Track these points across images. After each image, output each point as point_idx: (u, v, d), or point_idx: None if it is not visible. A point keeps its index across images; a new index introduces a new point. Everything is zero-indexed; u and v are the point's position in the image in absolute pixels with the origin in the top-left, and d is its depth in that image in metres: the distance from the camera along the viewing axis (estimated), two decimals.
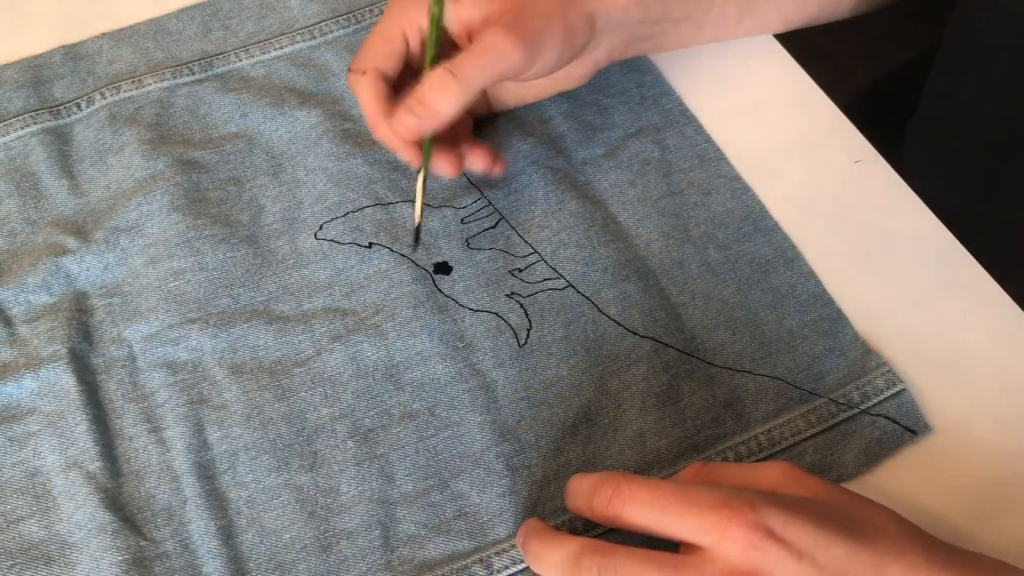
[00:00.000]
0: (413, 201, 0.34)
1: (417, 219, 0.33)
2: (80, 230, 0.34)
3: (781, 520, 0.22)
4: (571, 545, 0.24)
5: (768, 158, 0.36)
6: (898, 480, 0.29)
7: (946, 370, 0.31)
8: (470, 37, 0.30)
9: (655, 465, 0.29)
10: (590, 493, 0.24)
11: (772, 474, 0.25)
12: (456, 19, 0.30)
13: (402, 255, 0.33)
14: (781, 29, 0.37)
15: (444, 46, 0.31)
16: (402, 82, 0.32)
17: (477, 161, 0.33)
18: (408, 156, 0.31)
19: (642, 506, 0.23)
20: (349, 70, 0.32)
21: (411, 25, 0.30)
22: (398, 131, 0.30)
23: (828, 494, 0.24)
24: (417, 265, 0.33)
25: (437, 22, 0.30)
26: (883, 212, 0.34)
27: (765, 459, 0.29)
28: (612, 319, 0.32)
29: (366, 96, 0.31)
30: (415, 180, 0.32)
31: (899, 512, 0.25)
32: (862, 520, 0.23)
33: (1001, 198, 0.38)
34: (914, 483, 0.29)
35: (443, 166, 0.32)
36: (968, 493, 0.28)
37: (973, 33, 0.35)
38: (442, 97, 0.28)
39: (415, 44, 0.31)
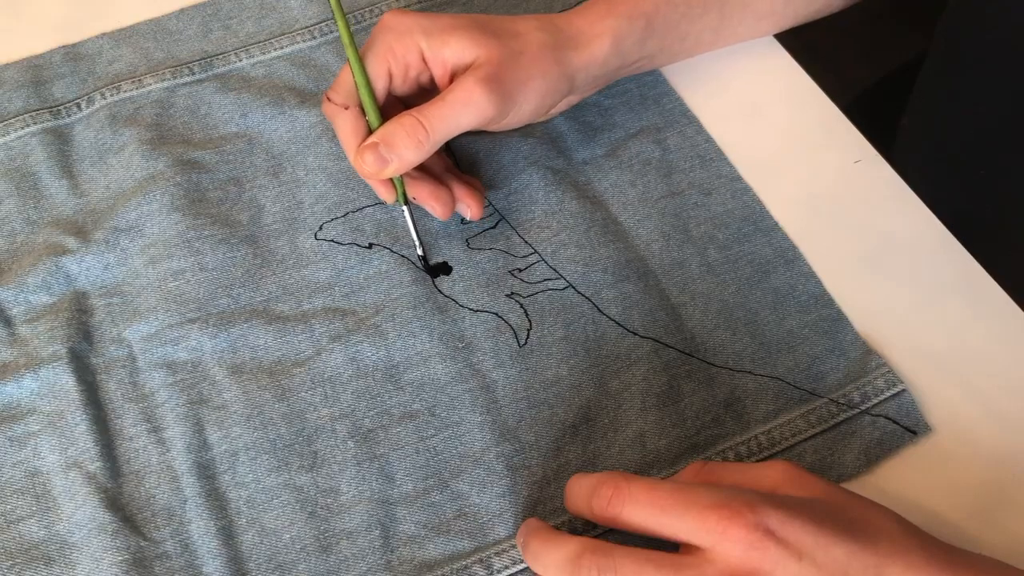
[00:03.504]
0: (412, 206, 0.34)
1: (419, 251, 0.33)
2: (80, 230, 0.34)
3: (781, 520, 0.22)
4: (571, 545, 0.24)
5: (768, 158, 0.36)
6: (898, 480, 0.29)
7: (946, 370, 0.31)
8: (451, 78, 0.30)
9: (655, 465, 0.29)
10: (590, 493, 0.24)
11: (772, 474, 0.25)
12: (440, 60, 0.30)
13: (402, 256, 0.33)
14: (757, 37, 0.38)
15: (415, 81, 0.31)
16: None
17: (464, 205, 0.33)
18: (382, 192, 0.32)
19: (642, 506, 0.23)
20: (327, 98, 0.31)
21: (398, 61, 0.30)
22: (360, 168, 0.30)
23: (828, 494, 0.24)
24: (417, 266, 0.33)
25: (364, 83, 0.30)
26: (883, 212, 0.34)
27: (765, 459, 0.29)
28: (612, 319, 0.32)
29: (347, 132, 0.30)
30: (408, 216, 0.32)
31: (899, 512, 0.25)
32: (862, 520, 0.23)
33: (1000, 198, 0.38)
34: (914, 484, 0.28)
35: (433, 205, 0.32)
36: (968, 493, 0.28)
37: (960, 35, 0.35)
38: (408, 144, 0.29)
39: (399, 80, 0.31)
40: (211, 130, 0.37)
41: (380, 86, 0.31)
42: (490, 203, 0.35)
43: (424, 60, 0.30)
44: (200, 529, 0.28)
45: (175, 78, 0.38)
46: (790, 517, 0.22)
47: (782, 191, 0.35)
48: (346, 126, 0.30)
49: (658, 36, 0.34)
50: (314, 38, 0.40)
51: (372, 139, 0.30)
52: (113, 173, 0.36)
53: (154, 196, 0.34)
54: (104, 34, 0.40)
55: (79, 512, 0.28)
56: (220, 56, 0.39)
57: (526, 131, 0.36)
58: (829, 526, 0.22)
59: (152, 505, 0.29)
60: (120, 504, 0.28)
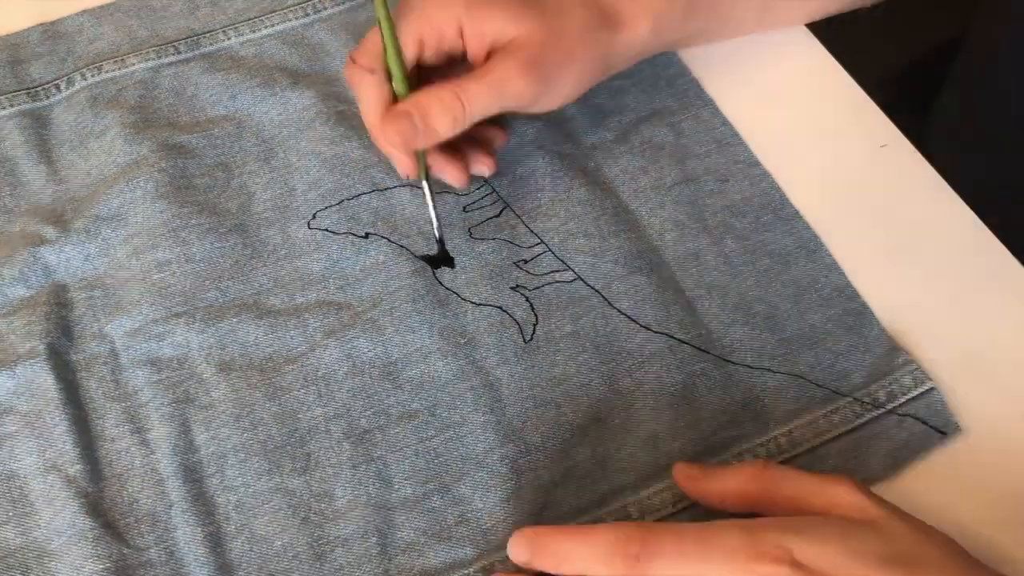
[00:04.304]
0: (412, 186, 0.33)
1: (437, 232, 0.31)
2: (59, 219, 0.33)
3: (814, 556, 0.21)
4: (608, 532, 0.23)
5: (789, 143, 0.34)
6: (926, 484, 0.28)
7: (977, 368, 0.29)
8: (488, 55, 0.29)
9: (668, 468, 0.28)
10: (608, 553, 0.23)
11: (831, 491, 0.24)
12: (479, 34, 0.29)
13: (400, 246, 0.32)
14: (801, 23, 0.37)
15: (446, 53, 0.30)
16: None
17: (481, 166, 0.32)
18: (404, 165, 0.31)
19: (670, 558, 0.22)
20: (351, 60, 0.30)
21: (433, 30, 0.29)
22: (389, 138, 0.29)
23: (883, 519, 0.23)
24: (416, 256, 0.32)
25: (392, 39, 0.28)
26: (911, 200, 0.33)
27: (785, 462, 0.28)
28: (623, 313, 0.30)
29: (370, 97, 0.29)
30: (427, 191, 0.31)
31: (927, 518, 0.24)
32: (911, 552, 0.22)
33: None
34: (943, 488, 0.27)
35: (450, 172, 0.31)
36: (1000, 498, 0.27)
37: (1001, 20, 0.33)
38: (444, 118, 0.28)
39: (431, 51, 0.30)
40: (198, 113, 0.35)
41: (409, 54, 0.29)
42: (494, 190, 0.34)
43: (461, 32, 0.29)
44: (186, 536, 0.27)
45: (160, 57, 0.37)
46: (823, 548, 0.21)
47: (803, 177, 0.34)
48: (371, 91, 0.29)
49: (701, 17, 0.33)
50: (307, 15, 0.38)
51: (404, 106, 0.28)
52: (94, 158, 0.34)
53: (138, 183, 0.33)
54: (84, 11, 0.38)
55: (58, 518, 0.27)
56: (207, 34, 0.38)
57: (531, 114, 0.35)
58: (870, 557, 0.21)
59: (135, 510, 0.28)
60: (101, 509, 0.27)
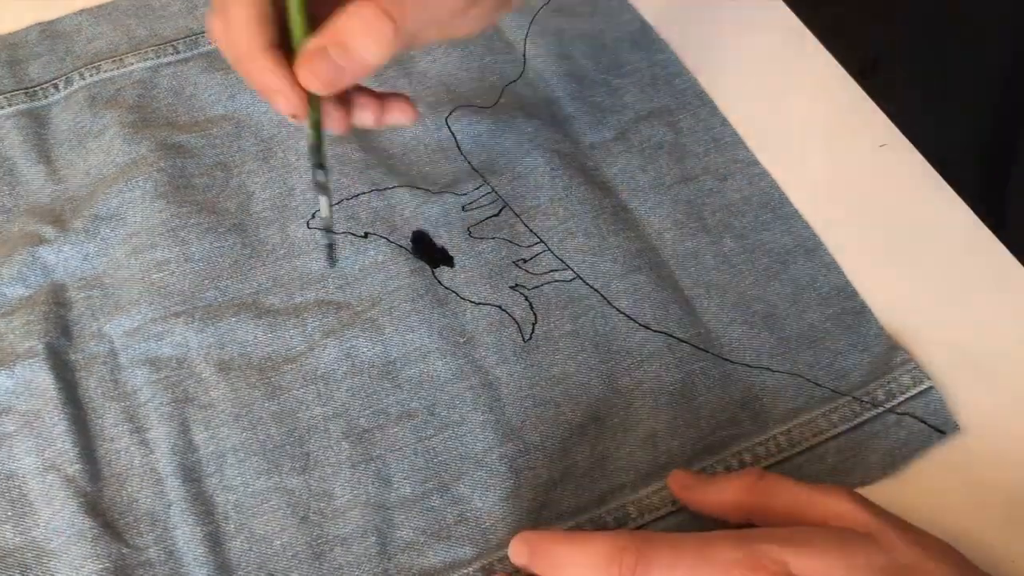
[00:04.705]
0: (412, 186, 0.33)
1: (318, 177, 0.26)
2: (58, 218, 0.33)
3: (810, 568, 0.21)
4: (603, 541, 0.22)
5: (787, 142, 0.34)
6: (925, 483, 0.28)
7: (976, 366, 0.29)
8: None
9: (667, 467, 0.28)
10: (605, 562, 0.22)
11: (827, 503, 0.23)
12: None
13: (400, 246, 0.32)
14: None
15: None
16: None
17: (400, 114, 0.26)
18: (292, 107, 0.24)
19: (667, 569, 0.22)
20: None
21: None
22: (306, 80, 0.23)
23: (881, 531, 0.23)
24: (415, 256, 0.32)
25: None
26: (909, 199, 0.33)
27: (784, 461, 0.28)
28: (622, 312, 0.30)
29: (242, 14, 0.23)
30: (315, 143, 0.25)
31: (925, 517, 0.24)
32: (910, 565, 0.22)
33: None
34: (941, 486, 0.27)
35: (331, 119, 0.25)
36: (999, 497, 0.27)
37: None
38: (372, 43, 0.22)
39: None
40: (197, 112, 0.35)
41: None
42: (493, 189, 0.33)
43: None
44: (185, 535, 0.27)
45: (158, 57, 0.37)
46: (821, 561, 0.21)
47: (802, 176, 0.34)
48: (239, 6, 0.22)
49: None
50: None
51: (318, 41, 0.22)
52: (93, 158, 0.34)
53: (136, 182, 0.33)
54: (83, 10, 0.38)
55: (57, 517, 0.27)
56: (206, 34, 0.37)
57: (530, 112, 0.35)
58: (866, 570, 0.21)
59: (134, 510, 0.27)
60: (100, 509, 0.27)
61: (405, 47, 0.23)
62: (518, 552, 0.24)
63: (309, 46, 0.23)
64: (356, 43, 0.22)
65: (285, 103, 0.24)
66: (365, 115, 0.26)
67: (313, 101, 0.24)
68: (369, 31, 0.22)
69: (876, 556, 0.22)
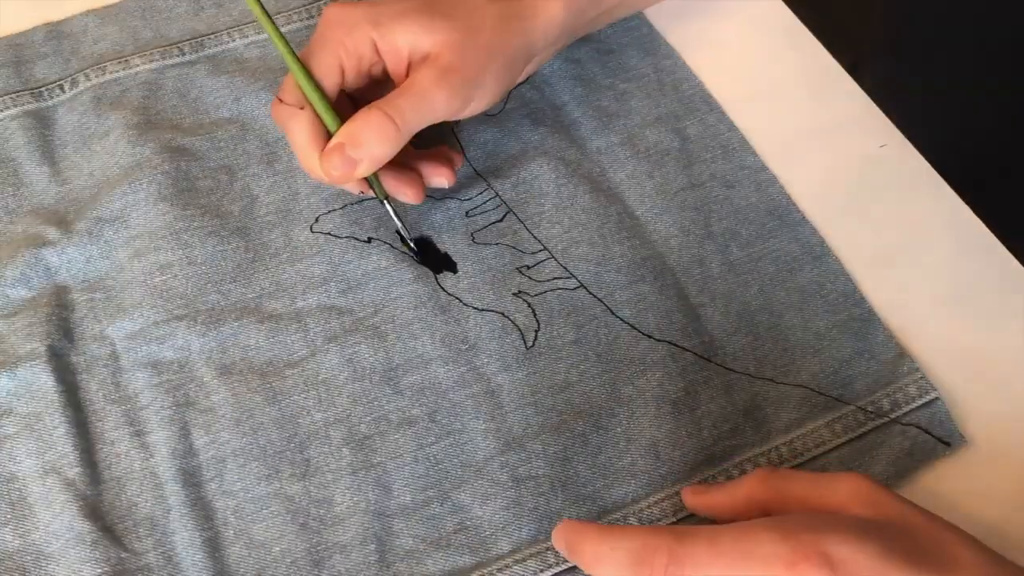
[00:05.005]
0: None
1: (411, 244, 0.31)
2: (62, 220, 0.33)
3: (849, 553, 0.20)
4: (636, 538, 0.22)
5: (787, 142, 0.34)
6: (930, 496, 0.27)
7: (982, 376, 0.29)
8: (408, 67, 0.29)
9: (669, 477, 0.28)
10: (636, 560, 0.22)
11: (844, 489, 0.23)
12: (395, 49, 0.29)
13: (403, 252, 0.32)
14: None
15: (368, 75, 0.30)
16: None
17: (439, 177, 0.31)
18: (356, 189, 0.31)
19: (704, 567, 0.21)
20: (278, 100, 0.29)
21: (349, 55, 0.29)
22: (329, 174, 0.28)
23: (903, 516, 0.22)
24: (418, 262, 0.31)
25: (309, 83, 0.28)
26: (911, 202, 0.33)
27: None
28: (625, 322, 0.30)
29: (302, 134, 0.29)
30: (391, 211, 0.31)
31: None
32: (937, 549, 0.22)
33: None
34: (948, 499, 0.27)
35: (405, 192, 0.31)
36: (1006, 510, 0.27)
37: None
38: (378, 140, 0.27)
39: (352, 75, 0.29)
40: (202, 115, 0.35)
41: (332, 83, 0.29)
42: (497, 195, 0.33)
43: (377, 51, 0.29)
44: (184, 540, 0.27)
45: (164, 59, 0.36)
46: (858, 547, 0.20)
47: (802, 178, 0.33)
48: (302, 129, 0.29)
49: None
50: (312, 17, 0.38)
51: (336, 140, 0.28)
52: (97, 160, 0.34)
53: (140, 185, 0.33)
54: (89, 11, 0.38)
55: (56, 521, 0.27)
56: (212, 36, 0.37)
57: (536, 117, 0.35)
58: (900, 555, 0.21)
59: (134, 514, 0.27)
60: (100, 513, 0.27)
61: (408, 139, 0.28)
62: (557, 539, 0.24)
63: (329, 145, 0.28)
64: (367, 141, 0.28)
65: (352, 189, 0.31)
66: (435, 178, 0.32)
67: (375, 182, 0.30)
68: (376, 131, 0.27)
69: (905, 540, 0.21)
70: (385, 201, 0.31)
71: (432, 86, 0.28)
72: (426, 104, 0.28)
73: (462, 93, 0.28)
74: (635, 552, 0.22)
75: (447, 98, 0.28)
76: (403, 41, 0.28)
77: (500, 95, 0.30)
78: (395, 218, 0.31)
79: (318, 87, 0.28)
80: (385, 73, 0.30)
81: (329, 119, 0.29)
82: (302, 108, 0.29)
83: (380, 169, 0.30)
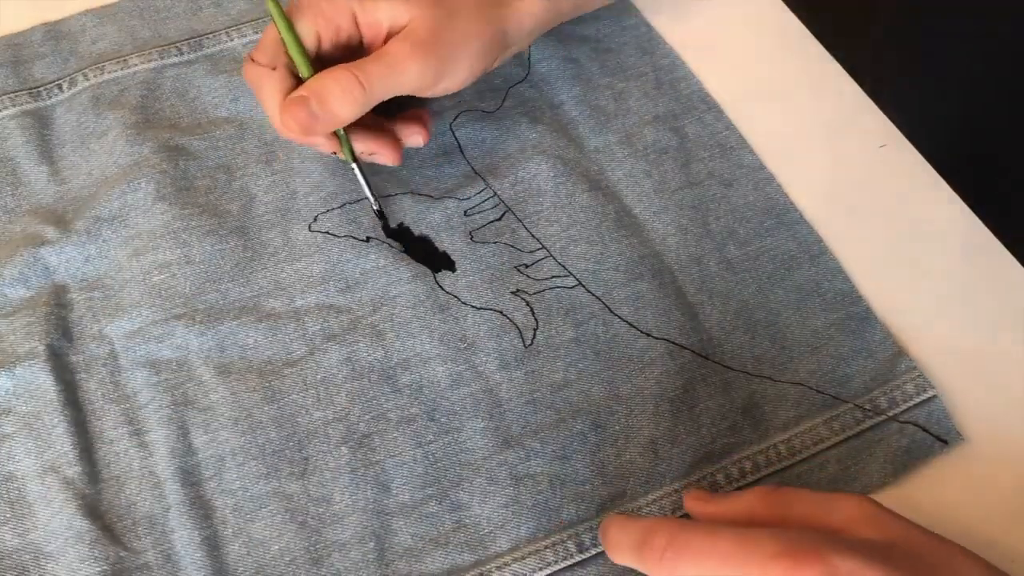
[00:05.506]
0: (414, 192, 0.33)
1: (375, 206, 0.31)
2: (60, 219, 0.33)
3: (851, 569, 0.20)
4: (638, 526, 0.23)
5: (787, 144, 0.34)
6: (928, 494, 0.27)
7: (980, 374, 0.29)
8: (385, 39, 0.29)
9: (667, 475, 0.28)
10: (638, 542, 0.22)
11: (846, 509, 0.23)
12: (373, 22, 0.29)
13: (402, 252, 0.32)
14: None
15: (344, 45, 0.29)
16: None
17: (414, 136, 0.31)
18: (327, 147, 0.30)
19: (701, 557, 0.21)
20: (250, 59, 0.29)
21: (328, 23, 0.29)
22: (287, 124, 0.28)
23: (907, 537, 0.22)
24: (416, 260, 0.31)
25: (293, 40, 0.28)
26: (911, 201, 0.33)
27: (785, 469, 0.28)
28: (624, 320, 0.30)
29: (272, 92, 0.28)
30: (358, 173, 0.31)
31: (928, 525, 0.23)
32: (945, 569, 0.22)
33: None
34: (945, 497, 0.27)
35: (384, 153, 0.31)
36: (1003, 507, 0.27)
37: None
38: (343, 101, 0.27)
39: (328, 43, 0.29)
40: (200, 114, 0.35)
41: (307, 47, 0.29)
42: (495, 193, 0.33)
43: (356, 22, 0.29)
44: (183, 539, 0.27)
45: (162, 58, 0.36)
46: (863, 565, 0.20)
47: (801, 178, 0.33)
48: (272, 86, 0.28)
49: None
50: None
51: (300, 91, 0.28)
52: (96, 159, 0.34)
53: (139, 184, 0.33)
54: (88, 11, 0.38)
55: (55, 520, 0.27)
56: (210, 35, 0.37)
57: (534, 116, 0.35)
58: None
59: (133, 513, 0.27)
60: (99, 512, 0.27)
61: (371, 107, 0.28)
62: (599, 533, 0.25)
63: (292, 95, 0.28)
64: (332, 99, 0.27)
65: (323, 147, 0.30)
66: (411, 138, 0.31)
67: (345, 142, 0.30)
68: (343, 91, 0.27)
69: (910, 562, 0.21)
70: (354, 165, 0.31)
71: (405, 57, 0.28)
72: (396, 73, 0.28)
73: (433, 68, 0.28)
74: (639, 535, 0.22)
75: (418, 71, 0.28)
76: (383, 14, 0.29)
77: (471, 78, 0.30)
78: (363, 182, 0.31)
79: (300, 43, 0.28)
80: (360, 45, 0.30)
81: (307, 70, 0.28)
82: (273, 68, 0.29)
83: (356, 132, 0.30)
